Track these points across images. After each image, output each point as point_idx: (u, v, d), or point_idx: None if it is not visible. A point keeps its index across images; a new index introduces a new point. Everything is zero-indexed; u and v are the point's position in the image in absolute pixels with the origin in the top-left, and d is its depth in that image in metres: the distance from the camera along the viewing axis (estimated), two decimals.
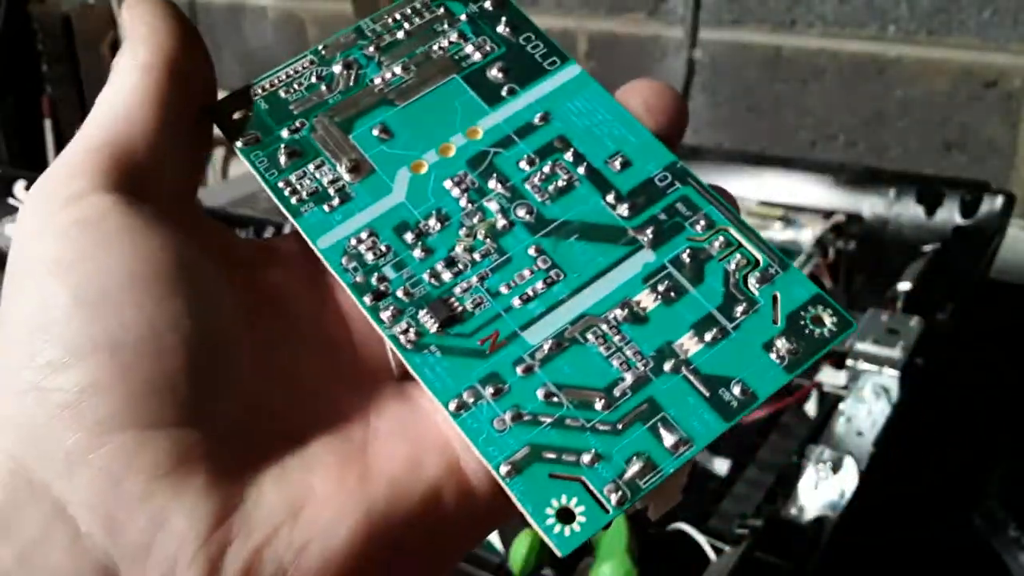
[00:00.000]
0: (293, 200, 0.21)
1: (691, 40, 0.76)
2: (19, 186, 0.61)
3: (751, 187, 0.70)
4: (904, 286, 0.58)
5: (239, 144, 0.21)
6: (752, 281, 0.20)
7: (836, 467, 0.47)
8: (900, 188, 0.64)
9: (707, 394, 0.18)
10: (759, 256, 0.20)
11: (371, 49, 0.23)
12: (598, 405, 0.18)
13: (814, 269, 0.64)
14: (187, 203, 0.21)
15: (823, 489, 0.47)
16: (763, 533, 0.46)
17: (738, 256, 0.20)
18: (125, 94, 0.20)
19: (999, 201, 0.52)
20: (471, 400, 0.19)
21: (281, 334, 0.20)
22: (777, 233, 0.67)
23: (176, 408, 0.18)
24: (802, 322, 0.19)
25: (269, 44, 1.11)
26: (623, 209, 0.20)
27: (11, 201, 0.61)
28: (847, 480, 0.47)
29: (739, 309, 0.19)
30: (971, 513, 0.53)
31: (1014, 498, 0.52)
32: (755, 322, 0.19)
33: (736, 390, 0.18)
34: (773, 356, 0.19)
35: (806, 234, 0.66)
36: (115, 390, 0.17)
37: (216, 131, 0.22)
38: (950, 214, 0.56)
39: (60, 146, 1.18)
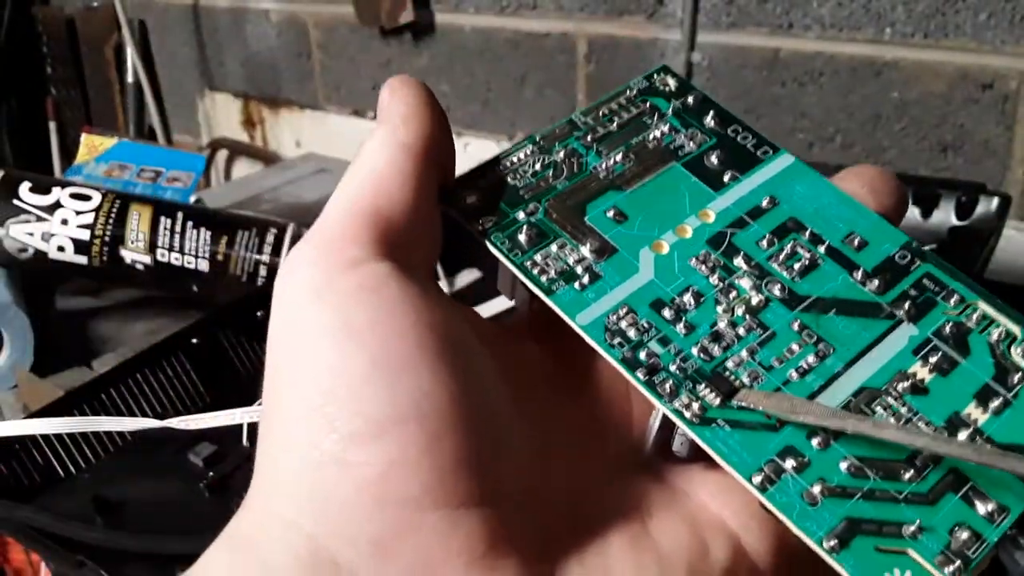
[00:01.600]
0: (543, 279, 0.20)
1: (689, 43, 0.75)
2: (24, 188, 0.59)
3: None
4: None
5: (478, 227, 0.21)
6: (1016, 351, 0.20)
7: None
8: None
9: None
10: (1016, 330, 0.20)
11: (588, 139, 0.23)
12: (906, 476, 0.18)
13: None
14: (435, 279, 0.20)
15: None
16: None
17: (997, 329, 0.20)
18: (386, 168, 0.19)
19: (995, 203, 0.51)
20: (774, 474, 0.18)
21: (540, 412, 0.19)
22: None
23: (484, 484, 0.16)
24: None
25: (272, 47, 1.11)
26: (873, 285, 0.21)
27: (16, 203, 0.59)
28: None
29: (1014, 378, 0.19)
30: None
31: None
32: None
33: None
34: None
35: None
36: (423, 464, 0.16)
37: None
38: (946, 215, 0.54)
39: (64, 148, 1.16)
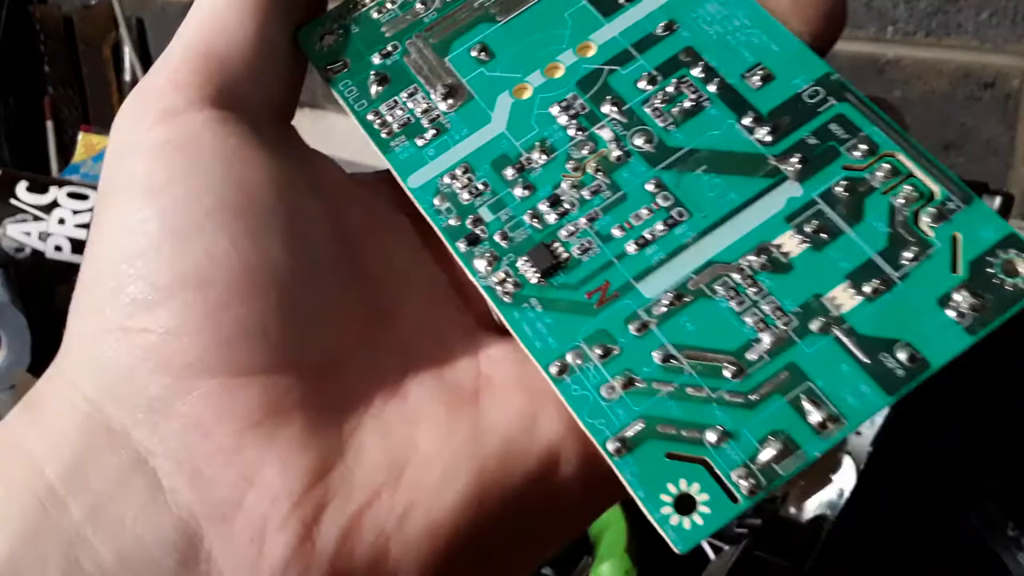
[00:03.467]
0: (383, 134, 0.19)
1: None
2: (21, 187, 0.60)
3: None
4: None
5: (328, 74, 0.19)
6: (925, 219, 0.16)
7: (834, 466, 0.46)
8: None
9: (865, 360, 0.15)
10: (935, 187, 0.16)
11: None
12: (727, 372, 0.15)
13: None
14: (283, 125, 0.19)
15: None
16: (762, 532, 0.45)
17: (907, 188, 0.16)
18: (225, 5, 0.18)
19: (997, 201, 0.51)
20: (576, 363, 0.16)
21: (377, 274, 0.18)
22: None
23: (268, 353, 0.16)
24: (989, 270, 0.15)
25: None
26: (763, 133, 0.17)
27: (13, 202, 0.60)
28: (845, 479, 0.46)
29: (908, 254, 0.16)
30: (969, 513, 0.51)
31: (1012, 498, 0.50)
32: (928, 270, 0.15)
33: (902, 355, 0.15)
34: (951, 313, 0.15)
35: None
36: (204, 332, 0.16)
37: None
38: None
39: (61, 147, 1.15)
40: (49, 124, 1.21)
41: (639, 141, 0.17)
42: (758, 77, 0.17)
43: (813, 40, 0.18)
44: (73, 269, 0.63)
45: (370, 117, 0.19)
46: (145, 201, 0.17)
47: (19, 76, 1.20)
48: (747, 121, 0.17)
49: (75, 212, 0.61)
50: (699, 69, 0.18)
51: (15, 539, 0.15)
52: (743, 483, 0.15)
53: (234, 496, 0.15)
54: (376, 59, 0.19)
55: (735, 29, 0.18)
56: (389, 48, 0.19)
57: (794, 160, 0.17)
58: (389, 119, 0.19)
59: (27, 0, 1.21)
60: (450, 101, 0.19)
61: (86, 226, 0.61)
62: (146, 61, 1.26)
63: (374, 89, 0.19)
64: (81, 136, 0.85)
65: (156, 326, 0.16)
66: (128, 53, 1.22)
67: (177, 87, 0.18)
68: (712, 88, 0.18)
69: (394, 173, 0.18)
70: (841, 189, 0.16)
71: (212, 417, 0.16)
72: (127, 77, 1.24)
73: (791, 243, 0.16)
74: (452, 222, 0.18)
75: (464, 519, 0.16)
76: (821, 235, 0.16)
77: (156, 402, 0.16)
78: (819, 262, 0.16)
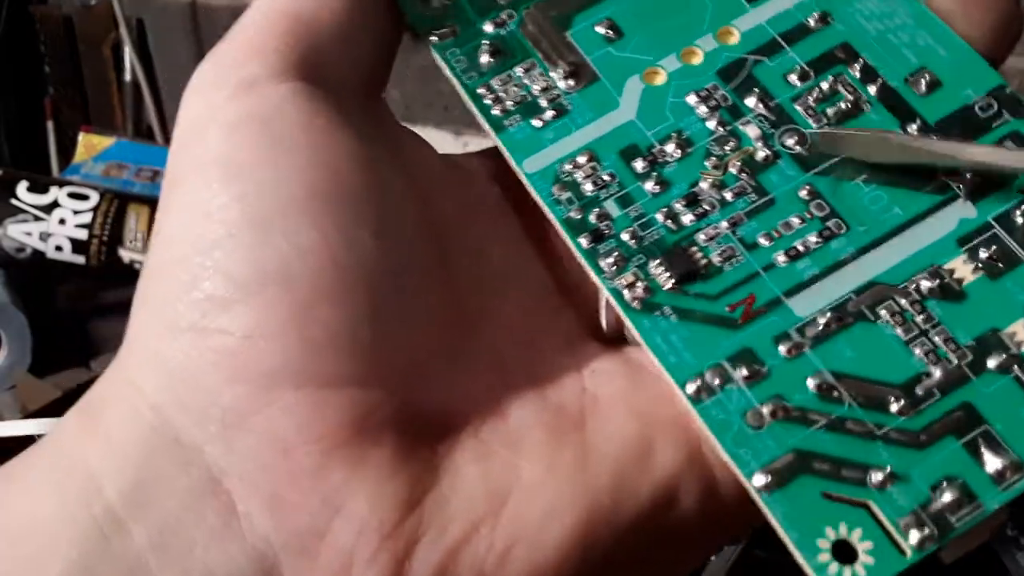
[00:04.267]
0: (495, 111, 0.17)
1: None
2: (22, 187, 0.59)
3: None
4: None
5: (433, 39, 0.17)
6: None
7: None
8: None
9: None
10: None
11: None
12: (894, 407, 0.14)
13: None
14: (373, 100, 0.17)
15: None
16: (761, 531, 0.43)
17: None
18: None
19: None
20: (716, 383, 0.14)
21: (470, 271, 0.16)
22: None
23: (357, 362, 0.14)
24: None
25: None
26: None
27: (13, 202, 0.59)
28: None
29: None
30: None
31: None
32: None
33: None
34: None
35: None
36: (287, 336, 0.14)
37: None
38: None
39: (62, 147, 1.13)
40: (49, 124, 1.18)
41: (790, 141, 0.16)
42: (923, 83, 0.16)
43: (983, 47, 0.16)
44: (74, 269, 0.61)
45: (480, 91, 0.17)
46: (223, 185, 0.14)
47: (19, 76, 1.18)
48: (912, 130, 0.15)
49: (76, 212, 0.60)
50: (857, 68, 0.16)
51: (71, 568, 0.13)
52: (913, 533, 0.13)
53: (317, 525, 0.13)
54: (488, 27, 0.17)
55: (896, 27, 0.16)
56: (504, 17, 0.17)
57: (967, 177, 0.15)
58: (503, 95, 0.17)
59: (27, 0, 1.18)
60: (571, 81, 0.17)
61: (87, 226, 0.60)
62: (146, 61, 1.23)
63: (485, 60, 0.17)
64: (81, 136, 0.84)
65: (234, 327, 0.14)
66: (128, 53, 1.18)
67: (258, 53, 0.15)
68: (872, 90, 0.16)
69: (506, 155, 0.16)
70: (1020, 215, 0.15)
71: (294, 433, 0.14)
72: (127, 77, 1.21)
73: (964, 269, 0.14)
74: (573, 214, 0.16)
75: (569, 561, 0.14)
76: (998, 264, 0.14)
77: (231, 414, 0.14)
78: (996, 293, 0.14)
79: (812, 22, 0.17)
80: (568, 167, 0.16)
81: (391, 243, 0.15)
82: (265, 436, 0.14)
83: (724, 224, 0.15)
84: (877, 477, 0.13)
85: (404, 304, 0.15)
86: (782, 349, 0.14)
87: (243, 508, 0.13)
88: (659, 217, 0.15)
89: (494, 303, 0.16)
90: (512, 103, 0.17)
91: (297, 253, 0.14)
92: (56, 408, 0.49)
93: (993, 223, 0.15)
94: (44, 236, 0.60)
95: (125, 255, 0.61)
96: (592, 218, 0.16)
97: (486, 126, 0.17)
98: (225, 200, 0.14)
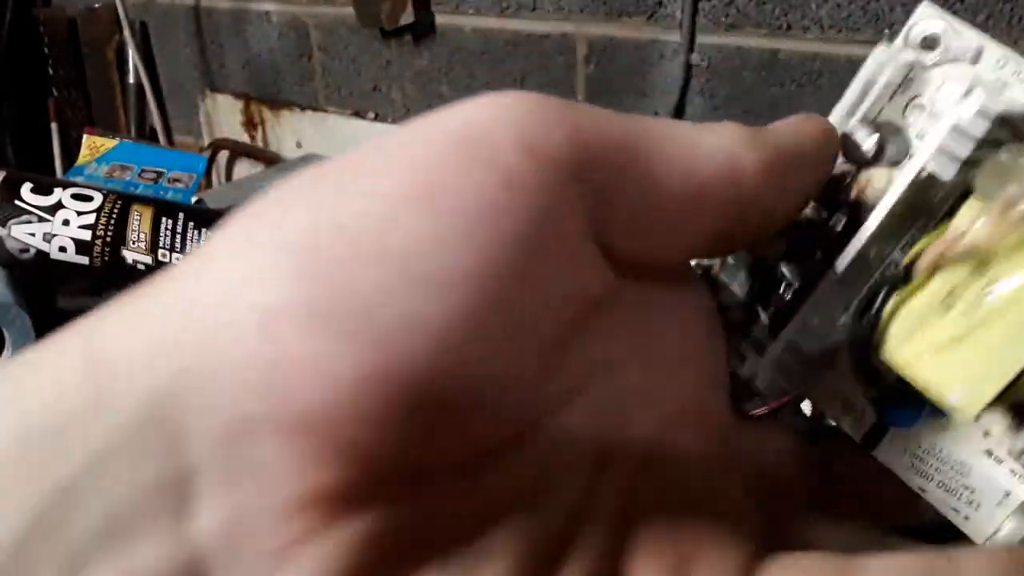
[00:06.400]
0: None
1: (689, 44, 0.76)
2: (25, 188, 0.59)
3: None
4: None
5: None
6: None
7: None
8: None
9: None
10: None
11: None
12: None
13: None
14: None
15: None
16: None
17: None
18: None
19: None
20: None
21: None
22: None
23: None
24: None
25: (273, 48, 1.12)
26: None
27: (17, 203, 0.59)
28: None
29: None
30: None
31: None
32: None
33: None
34: None
35: None
36: None
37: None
38: None
39: (65, 149, 1.18)
40: (53, 126, 1.20)
41: None
42: None
43: None
44: (77, 270, 0.62)
45: None
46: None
47: (23, 78, 1.19)
48: None
49: (79, 213, 0.60)
50: None
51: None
52: None
53: None
54: None
55: None
56: None
57: None
58: None
59: (31, 3, 1.19)
60: None
61: (90, 227, 0.60)
62: (149, 63, 1.26)
63: None
64: (85, 138, 0.84)
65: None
66: (132, 55, 1.22)
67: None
68: None
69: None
70: None
71: None
72: (130, 79, 1.24)
73: None
74: None
75: None
76: None
77: None
78: None
79: None
80: None
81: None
82: None
83: None
84: None
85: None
86: None
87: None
88: None
89: None
90: None
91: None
92: None
93: None
94: (48, 237, 0.60)
95: (128, 256, 0.61)
96: None
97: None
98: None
